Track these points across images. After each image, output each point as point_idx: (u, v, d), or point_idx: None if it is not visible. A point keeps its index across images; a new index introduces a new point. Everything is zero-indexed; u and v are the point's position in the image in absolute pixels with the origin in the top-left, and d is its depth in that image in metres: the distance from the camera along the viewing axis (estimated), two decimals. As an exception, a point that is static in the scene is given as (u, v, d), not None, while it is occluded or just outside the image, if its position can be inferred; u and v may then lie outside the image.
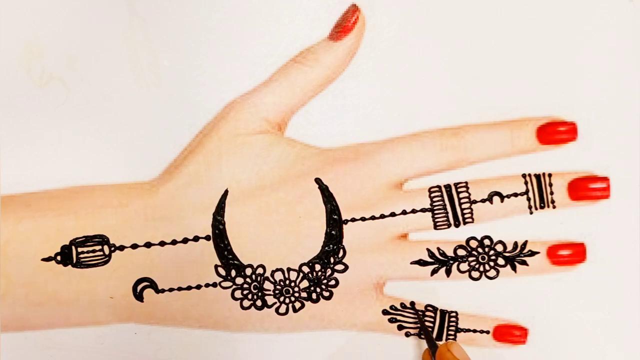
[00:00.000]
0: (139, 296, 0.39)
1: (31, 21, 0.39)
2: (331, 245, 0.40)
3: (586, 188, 0.40)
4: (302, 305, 0.40)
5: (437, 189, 0.40)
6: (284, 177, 0.39)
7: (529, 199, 0.40)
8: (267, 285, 0.39)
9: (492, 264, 0.41)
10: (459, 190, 0.40)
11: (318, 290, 0.40)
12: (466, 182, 0.40)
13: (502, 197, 0.40)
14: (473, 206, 0.40)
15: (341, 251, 0.40)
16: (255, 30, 0.40)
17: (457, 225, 0.40)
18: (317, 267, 0.40)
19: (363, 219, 0.40)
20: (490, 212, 0.40)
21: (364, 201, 0.40)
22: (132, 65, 0.39)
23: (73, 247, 0.39)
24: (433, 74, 0.40)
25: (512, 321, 0.41)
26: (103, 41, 0.39)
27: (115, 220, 0.39)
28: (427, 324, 0.41)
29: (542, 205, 0.40)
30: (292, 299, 0.40)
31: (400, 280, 0.40)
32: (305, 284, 0.40)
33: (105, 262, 0.39)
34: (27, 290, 0.38)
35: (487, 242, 0.41)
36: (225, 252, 0.39)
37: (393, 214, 0.40)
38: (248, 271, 0.39)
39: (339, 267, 0.40)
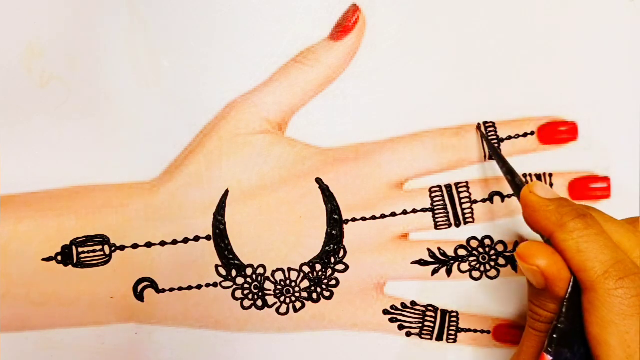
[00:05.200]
0: (139, 296, 0.39)
1: (32, 21, 0.39)
2: (332, 245, 0.40)
3: (587, 188, 0.41)
4: (303, 305, 0.40)
5: (437, 188, 0.40)
6: (284, 177, 0.39)
7: (529, 199, 0.40)
8: (268, 285, 0.39)
9: (492, 263, 0.41)
10: (460, 190, 0.40)
11: (319, 290, 0.40)
12: (467, 182, 0.40)
13: (502, 197, 0.40)
14: (474, 206, 0.40)
15: (342, 251, 0.40)
16: (255, 30, 0.40)
17: (457, 225, 0.40)
18: (318, 267, 0.40)
19: (364, 218, 0.40)
20: (490, 212, 0.40)
21: (364, 201, 0.40)
22: (132, 65, 0.39)
23: (73, 247, 0.39)
24: (433, 74, 0.40)
25: (512, 321, 0.41)
26: (103, 41, 0.39)
27: (115, 220, 0.39)
28: (427, 324, 0.41)
29: (542, 205, 0.40)
30: (293, 298, 0.40)
31: (400, 280, 0.40)
32: (305, 283, 0.40)
33: (106, 262, 0.39)
34: (27, 290, 0.38)
35: (487, 242, 0.41)
36: (226, 252, 0.39)
37: (394, 214, 0.40)
38: (249, 271, 0.39)
39: (340, 267, 0.40)
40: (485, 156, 0.40)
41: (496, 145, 0.40)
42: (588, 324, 0.30)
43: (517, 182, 0.36)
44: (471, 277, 0.41)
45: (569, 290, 0.31)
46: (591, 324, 0.30)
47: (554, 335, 0.31)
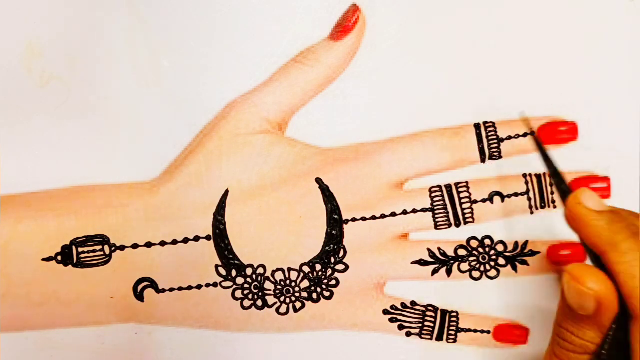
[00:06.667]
0: (139, 296, 0.39)
1: (31, 21, 0.39)
2: (332, 245, 0.40)
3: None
4: (303, 305, 0.40)
5: (437, 188, 0.40)
6: (284, 177, 0.39)
7: (529, 199, 0.40)
8: (268, 285, 0.39)
9: (492, 263, 0.41)
10: (460, 190, 0.40)
11: (319, 290, 0.40)
12: (467, 182, 0.40)
13: (502, 197, 0.40)
14: (474, 206, 0.40)
15: (342, 251, 0.40)
16: (255, 30, 0.40)
17: (457, 225, 0.40)
18: (318, 267, 0.40)
19: (364, 218, 0.40)
20: (490, 212, 0.40)
21: (364, 201, 0.40)
22: (132, 65, 0.39)
23: (73, 247, 0.39)
24: (433, 74, 0.40)
25: (512, 321, 0.41)
26: (103, 41, 0.39)
27: (115, 220, 0.39)
28: (427, 324, 0.41)
29: (542, 205, 0.40)
30: (293, 298, 0.40)
31: (400, 280, 0.40)
32: (305, 283, 0.40)
33: (106, 262, 0.39)
34: (27, 290, 0.38)
35: (487, 242, 0.41)
36: (226, 252, 0.39)
37: (394, 214, 0.40)
38: (249, 271, 0.39)
39: (340, 267, 0.40)
40: (484, 157, 0.40)
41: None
42: (636, 355, 0.28)
43: (563, 188, 0.34)
44: (471, 277, 0.41)
45: (614, 325, 0.29)
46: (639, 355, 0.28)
47: None
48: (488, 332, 0.41)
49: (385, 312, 0.40)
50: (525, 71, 0.41)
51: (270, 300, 0.40)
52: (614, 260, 0.29)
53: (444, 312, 0.41)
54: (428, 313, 0.41)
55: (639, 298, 0.28)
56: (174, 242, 0.39)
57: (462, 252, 0.40)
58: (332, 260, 0.40)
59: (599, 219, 0.31)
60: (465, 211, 0.40)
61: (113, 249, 0.39)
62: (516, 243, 0.41)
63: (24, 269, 0.38)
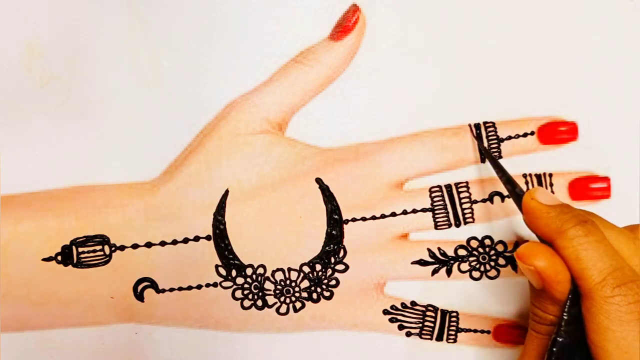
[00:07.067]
0: (139, 296, 0.39)
1: (31, 21, 0.39)
2: (332, 245, 0.40)
3: (587, 188, 0.41)
4: (303, 305, 0.40)
5: (437, 188, 0.40)
6: (284, 177, 0.39)
7: (529, 199, 0.40)
8: (268, 285, 0.39)
9: (492, 263, 0.41)
10: (460, 190, 0.40)
11: (319, 290, 0.40)
12: (467, 182, 0.40)
13: (502, 197, 0.40)
14: (474, 206, 0.40)
15: (342, 251, 0.40)
16: (255, 30, 0.40)
17: (457, 225, 0.40)
18: (318, 267, 0.40)
19: (364, 218, 0.40)
20: (491, 212, 0.40)
21: (364, 201, 0.40)
22: (132, 65, 0.39)
23: (73, 247, 0.39)
24: (433, 74, 0.40)
25: (512, 321, 0.41)
26: (103, 41, 0.39)
27: (115, 220, 0.39)
28: (427, 324, 0.41)
29: (542, 205, 0.40)
30: (293, 298, 0.40)
31: (400, 280, 0.40)
32: (305, 283, 0.40)
33: (106, 262, 0.39)
34: (27, 290, 0.38)
35: (487, 242, 0.41)
36: (226, 252, 0.39)
37: (394, 214, 0.40)
38: (249, 271, 0.39)
39: (340, 267, 0.40)
40: (484, 157, 0.40)
41: (495, 155, 0.40)
42: (588, 331, 0.30)
43: (517, 192, 0.35)
44: (471, 277, 0.41)
45: (568, 303, 0.31)
46: (590, 330, 0.30)
47: (554, 349, 0.30)
48: (488, 332, 0.41)
49: (385, 312, 0.40)
50: (525, 71, 0.41)
51: (270, 300, 0.40)
52: (561, 245, 0.31)
53: (444, 312, 0.41)
54: (428, 313, 0.41)
55: (585, 279, 0.30)
56: (174, 242, 0.39)
57: (462, 252, 0.40)
58: (332, 260, 0.40)
59: (550, 211, 0.32)
60: (465, 211, 0.40)
61: (113, 249, 0.39)
62: (516, 243, 0.41)
63: (24, 269, 0.38)
